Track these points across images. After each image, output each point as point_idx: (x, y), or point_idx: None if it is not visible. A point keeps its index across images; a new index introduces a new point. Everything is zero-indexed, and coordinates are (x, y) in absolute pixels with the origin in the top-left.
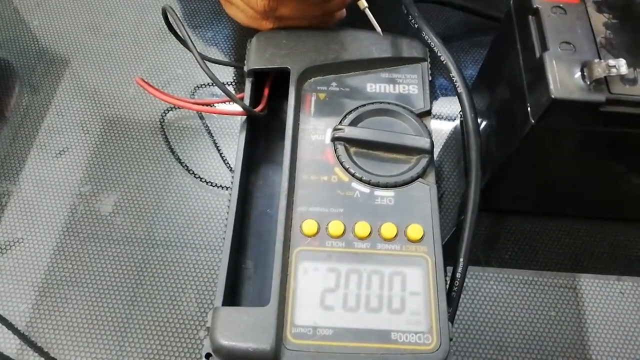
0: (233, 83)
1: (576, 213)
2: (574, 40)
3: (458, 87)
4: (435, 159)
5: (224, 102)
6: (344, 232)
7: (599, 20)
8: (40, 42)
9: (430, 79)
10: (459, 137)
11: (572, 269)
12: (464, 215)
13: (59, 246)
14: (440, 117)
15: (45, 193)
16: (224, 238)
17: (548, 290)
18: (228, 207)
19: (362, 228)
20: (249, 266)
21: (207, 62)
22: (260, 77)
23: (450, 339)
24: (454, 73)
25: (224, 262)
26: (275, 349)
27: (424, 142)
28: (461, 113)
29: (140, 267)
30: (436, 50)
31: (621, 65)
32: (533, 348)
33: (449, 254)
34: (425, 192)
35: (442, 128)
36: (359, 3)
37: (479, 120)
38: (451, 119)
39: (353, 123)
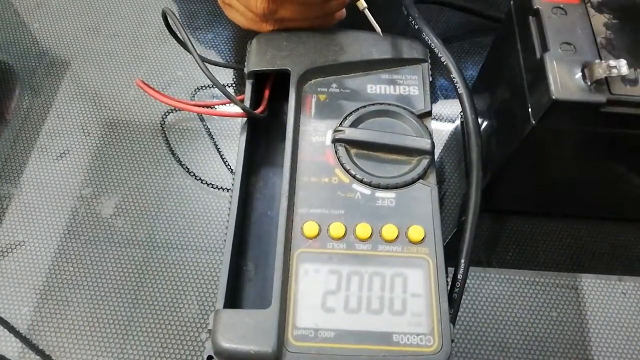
0: (233, 85)
1: (577, 213)
2: (575, 41)
3: (458, 87)
4: (436, 160)
5: (224, 104)
6: (345, 234)
7: (600, 20)
8: (40, 45)
9: (430, 79)
10: (459, 138)
11: (574, 270)
12: (465, 216)
13: (60, 249)
14: (440, 118)
15: (46, 196)
16: (224, 240)
17: (549, 291)
18: (229, 209)
19: (363, 230)
20: (250, 268)
21: (207, 65)
22: (260, 79)
23: (452, 341)
24: (455, 74)
25: (225, 264)
26: (277, 352)
27: (424, 143)
28: (462, 114)
29: (141, 269)
30: (436, 51)
31: (622, 66)
32: (535, 349)
33: (450, 255)
34: (426, 193)
35: (442, 129)
36: (358, 3)
37: (480, 121)
38: (452, 119)
39: (354, 124)
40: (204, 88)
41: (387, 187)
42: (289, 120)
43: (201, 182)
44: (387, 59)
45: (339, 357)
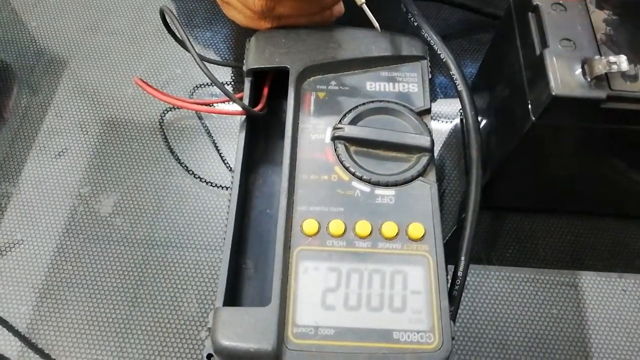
0: (232, 83)
1: (577, 210)
2: (574, 37)
3: (458, 85)
4: (435, 157)
5: (223, 102)
6: (344, 232)
7: (599, 16)
8: (38, 43)
9: (430, 77)
10: (459, 135)
11: (574, 267)
12: (464, 213)
13: (59, 247)
14: (440, 116)
15: (44, 194)
16: (224, 238)
17: (550, 288)
18: (228, 207)
19: (362, 227)
20: (249, 266)
21: (205, 63)
22: (259, 77)
23: (453, 338)
24: (454, 71)
25: (224, 262)
26: (277, 349)
27: (424, 141)
28: (461, 111)
29: (140, 267)
30: (436, 48)
31: (622, 62)
32: (535, 346)
33: (450, 252)
34: (425, 191)
35: (442, 126)
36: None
37: (479, 118)
38: (451, 117)
39: (353, 122)
40: (202, 86)
41: (386, 185)
42: (288, 118)
43: (200, 180)
44: (386, 56)
45: (339, 355)
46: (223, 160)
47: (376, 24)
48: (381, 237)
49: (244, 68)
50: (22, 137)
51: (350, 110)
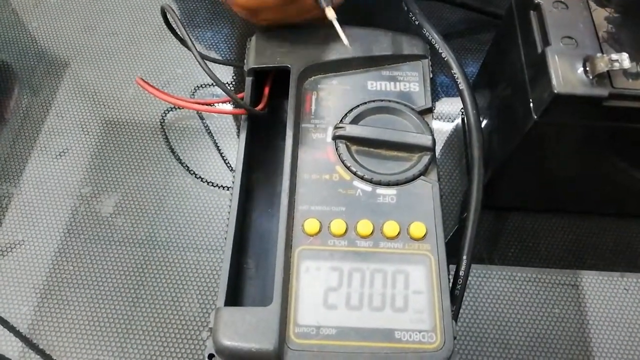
0: (233, 83)
1: (579, 209)
2: (576, 35)
3: (459, 84)
4: (437, 156)
5: (224, 102)
6: (346, 231)
7: (601, 14)
8: (39, 43)
9: (431, 76)
10: (460, 135)
11: (576, 266)
12: (466, 212)
13: (60, 248)
14: (441, 115)
15: (45, 195)
16: (225, 238)
17: (551, 288)
18: (229, 207)
19: (364, 226)
20: (250, 266)
21: (206, 62)
22: (260, 76)
23: (454, 337)
24: (456, 70)
25: (225, 262)
26: (279, 349)
27: (425, 140)
28: (463, 110)
29: (141, 267)
30: (437, 47)
31: (624, 59)
32: (537, 346)
33: (452, 251)
34: (427, 190)
35: (443, 125)
36: (327, 12)
37: (481, 117)
38: (453, 116)
39: (354, 121)
40: (203, 86)
41: (388, 184)
42: (289, 118)
43: (201, 180)
44: (388, 55)
45: (340, 354)
46: (224, 160)
47: (345, 41)
48: (383, 236)
49: (245, 67)
50: (23, 137)
51: (351, 110)
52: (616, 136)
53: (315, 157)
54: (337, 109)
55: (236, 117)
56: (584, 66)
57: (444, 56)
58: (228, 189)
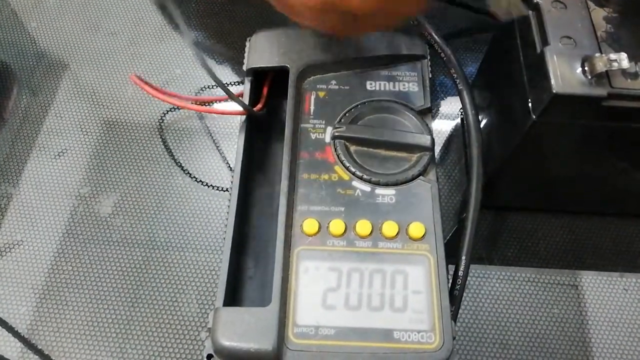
0: (231, 83)
1: (578, 209)
2: (575, 35)
3: (459, 83)
4: (436, 156)
5: (222, 100)
6: (345, 231)
7: (600, 14)
8: (38, 44)
9: (430, 76)
10: (459, 134)
11: (575, 266)
12: (465, 212)
13: (59, 248)
14: (441, 115)
15: (44, 195)
16: (224, 238)
17: (551, 288)
18: (228, 207)
19: (363, 227)
20: (249, 266)
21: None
22: (259, 76)
23: (453, 338)
24: (455, 70)
25: (224, 263)
26: (277, 349)
27: (424, 140)
28: (462, 110)
29: (140, 268)
30: (436, 47)
31: (622, 59)
32: (536, 346)
33: (451, 251)
34: (426, 190)
35: (442, 125)
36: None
37: (480, 117)
38: (452, 116)
39: (353, 121)
40: (203, 88)
41: (387, 184)
42: (288, 118)
43: (200, 181)
44: (387, 55)
45: (339, 355)
46: (223, 161)
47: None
48: (382, 236)
49: (244, 67)
50: (22, 137)
51: (350, 110)
52: (615, 136)
53: (314, 157)
54: (336, 109)
55: (235, 118)
56: (583, 66)
57: (443, 56)
58: (227, 190)
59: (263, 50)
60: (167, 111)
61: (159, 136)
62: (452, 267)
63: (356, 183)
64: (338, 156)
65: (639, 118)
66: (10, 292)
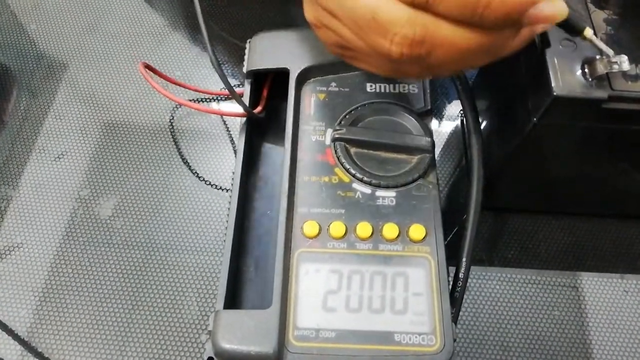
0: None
1: (578, 211)
2: (575, 37)
3: (459, 85)
4: (436, 158)
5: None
6: (345, 233)
7: (600, 16)
8: (37, 46)
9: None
10: (460, 136)
11: (575, 268)
12: (466, 214)
13: (59, 251)
14: (441, 116)
15: (44, 197)
16: (224, 240)
17: (551, 289)
18: (228, 209)
19: (363, 229)
20: (250, 268)
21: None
22: (259, 78)
23: (454, 340)
24: None
25: (224, 265)
26: (278, 352)
27: (425, 142)
28: (462, 112)
29: (140, 270)
30: None
31: (623, 62)
32: (537, 348)
33: (452, 253)
34: (426, 192)
35: (443, 127)
36: (586, 32)
37: (480, 119)
38: (452, 118)
39: (353, 123)
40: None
41: (387, 186)
42: (288, 120)
43: (201, 183)
44: None
45: (340, 357)
46: (223, 162)
47: (610, 51)
48: (382, 238)
49: (244, 69)
50: (22, 140)
51: (350, 112)
52: (615, 138)
53: (314, 159)
54: (336, 111)
55: (235, 120)
56: (583, 68)
57: None
58: (227, 191)
59: (263, 52)
60: (167, 113)
61: (158, 138)
62: (452, 269)
63: (356, 185)
64: (338, 158)
65: (639, 120)
66: (10, 294)
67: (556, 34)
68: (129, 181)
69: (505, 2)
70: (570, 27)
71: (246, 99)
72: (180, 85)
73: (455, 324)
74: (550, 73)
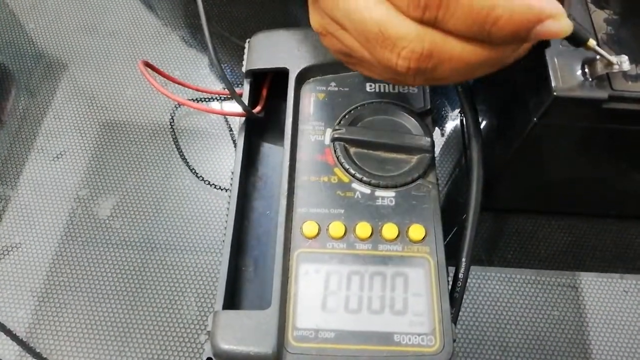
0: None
1: (578, 211)
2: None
3: (458, 86)
4: (436, 158)
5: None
6: (344, 234)
7: (600, 16)
8: (36, 45)
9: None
10: (459, 136)
11: (575, 268)
12: (465, 214)
13: (58, 251)
14: (440, 116)
15: (42, 197)
16: (223, 240)
17: (551, 290)
18: (227, 209)
19: (363, 229)
20: (249, 269)
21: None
22: (258, 78)
23: (454, 340)
24: None
25: (224, 265)
26: (277, 353)
27: (424, 142)
28: (461, 112)
29: (139, 270)
30: None
31: (623, 62)
32: (536, 348)
33: (451, 253)
34: (426, 192)
35: (442, 127)
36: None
37: (480, 119)
38: (452, 118)
39: (353, 123)
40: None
41: (386, 186)
42: (287, 119)
43: (200, 183)
44: None
45: (339, 358)
46: (222, 162)
47: (613, 59)
48: (382, 239)
49: (243, 69)
50: (21, 139)
51: (350, 111)
52: (615, 138)
53: (313, 159)
54: (336, 111)
55: (234, 120)
56: (583, 68)
57: None
58: (226, 191)
59: (262, 51)
60: (166, 113)
61: (157, 138)
62: (452, 269)
63: (356, 185)
64: (337, 158)
65: (639, 120)
66: (9, 295)
67: None
68: (128, 181)
69: (513, 20)
70: (574, 39)
71: (245, 99)
72: (179, 84)
73: (455, 324)
74: (551, 73)
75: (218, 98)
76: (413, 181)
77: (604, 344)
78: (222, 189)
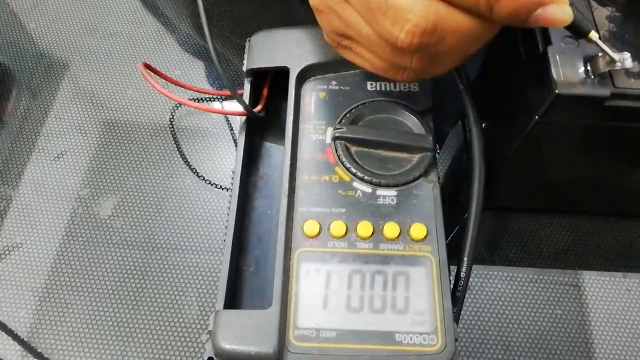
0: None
1: (581, 210)
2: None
3: (460, 83)
4: (437, 157)
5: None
6: (346, 233)
7: (602, 13)
8: (37, 45)
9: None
10: (461, 135)
11: (577, 266)
12: (467, 213)
13: (59, 251)
14: (441, 115)
15: (44, 197)
16: (224, 240)
17: (553, 288)
18: (228, 208)
19: (364, 228)
20: (250, 268)
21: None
22: (258, 77)
23: (456, 339)
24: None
25: (224, 265)
26: (278, 352)
27: (426, 140)
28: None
29: (140, 270)
30: None
31: (626, 59)
32: (538, 347)
33: (453, 252)
34: (427, 191)
35: (443, 126)
36: (591, 35)
37: (482, 117)
38: (453, 116)
39: (354, 122)
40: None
41: (388, 185)
42: (288, 118)
43: (201, 182)
44: None
45: (340, 357)
46: (223, 162)
47: (616, 56)
48: (383, 238)
49: (244, 68)
50: (22, 139)
51: (351, 110)
52: (618, 136)
53: (314, 158)
54: (337, 110)
55: (235, 119)
56: (586, 65)
57: None
58: (227, 191)
59: (263, 50)
60: (167, 112)
61: (158, 138)
62: (453, 268)
63: (357, 184)
64: (339, 157)
65: None
66: (10, 295)
67: (558, 31)
68: (129, 180)
69: None
70: (575, 30)
71: (246, 98)
72: (180, 85)
73: (457, 323)
74: (552, 70)
75: (219, 98)
76: (414, 180)
77: (607, 343)
78: (223, 189)
